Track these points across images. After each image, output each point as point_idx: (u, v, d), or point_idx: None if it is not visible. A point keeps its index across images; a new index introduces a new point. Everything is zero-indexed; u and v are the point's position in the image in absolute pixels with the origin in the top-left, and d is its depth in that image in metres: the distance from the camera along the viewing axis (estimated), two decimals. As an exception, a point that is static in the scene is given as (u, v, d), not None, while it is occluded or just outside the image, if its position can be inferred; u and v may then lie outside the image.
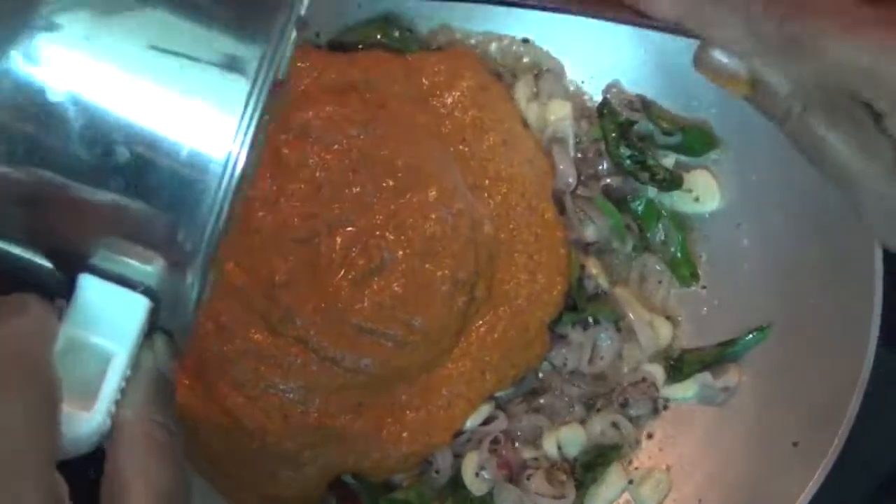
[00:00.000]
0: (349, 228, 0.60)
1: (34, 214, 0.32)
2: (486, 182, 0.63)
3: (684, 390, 0.66)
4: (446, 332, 0.61)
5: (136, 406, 0.34)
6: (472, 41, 0.69)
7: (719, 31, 0.36)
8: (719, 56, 0.36)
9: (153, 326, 0.34)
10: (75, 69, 0.31)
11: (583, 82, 0.69)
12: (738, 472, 0.63)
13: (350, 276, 0.59)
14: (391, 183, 0.61)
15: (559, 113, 0.67)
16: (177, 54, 0.31)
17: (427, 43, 0.68)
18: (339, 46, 0.66)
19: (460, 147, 0.64)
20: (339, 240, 0.59)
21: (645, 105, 0.68)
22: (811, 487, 0.57)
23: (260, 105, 0.31)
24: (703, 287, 0.68)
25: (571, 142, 0.67)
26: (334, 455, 0.61)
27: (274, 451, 0.60)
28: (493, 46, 0.69)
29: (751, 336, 0.65)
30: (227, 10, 0.32)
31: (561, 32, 0.69)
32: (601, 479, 0.64)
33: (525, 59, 0.69)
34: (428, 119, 0.64)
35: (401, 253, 0.60)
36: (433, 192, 0.61)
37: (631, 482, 0.65)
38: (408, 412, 0.61)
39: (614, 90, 0.68)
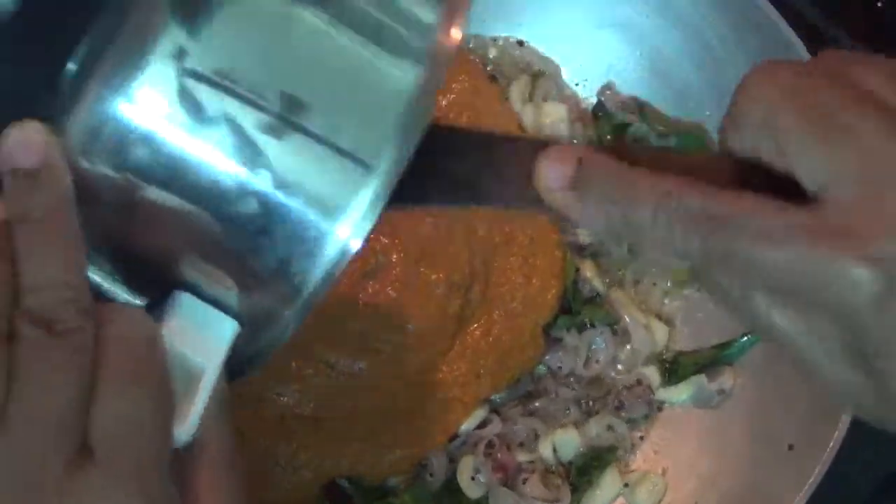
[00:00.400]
0: (343, 231, 0.59)
1: (152, 229, 0.32)
2: (481, 184, 0.63)
3: (679, 393, 0.66)
4: (441, 336, 0.61)
5: (212, 424, 0.34)
6: (467, 43, 0.69)
7: (647, 244, 0.34)
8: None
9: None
10: (236, 94, 0.31)
11: (577, 84, 0.69)
12: (733, 475, 0.63)
13: (344, 280, 0.59)
14: (385, 185, 0.60)
15: (554, 115, 0.67)
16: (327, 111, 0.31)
17: (421, 45, 0.68)
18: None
19: (455, 149, 0.64)
20: (333, 242, 0.59)
21: (639, 107, 0.68)
22: (807, 490, 0.57)
23: (399, 173, 0.31)
24: (699, 289, 0.68)
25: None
26: (329, 458, 0.61)
27: (268, 454, 0.60)
28: (488, 48, 0.69)
29: (746, 338, 0.65)
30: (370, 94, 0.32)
31: (556, 34, 0.69)
32: (596, 482, 0.63)
33: (520, 62, 0.69)
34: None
35: (395, 256, 0.60)
36: (428, 195, 0.61)
37: (626, 485, 0.64)
38: (402, 415, 0.61)
39: (609, 92, 0.68)
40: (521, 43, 0.69)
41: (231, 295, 0.33)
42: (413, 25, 0.33)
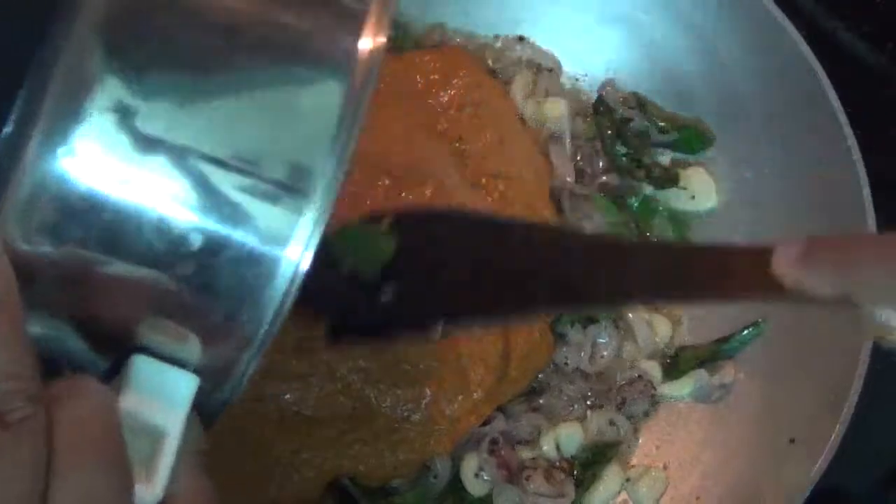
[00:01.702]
0: (345, 228, 0.59)
1: (97, 297, 0.32)
2: (484, 180, 0.63)
3: (681, 388, 0.66)
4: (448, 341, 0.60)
5: (185, 479, 0.34)
6: (468, 39, 0.69)
7: (878, 293, 0.37)
8: (882, 315, 0.37)
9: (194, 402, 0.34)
10: (157, 161, 0.31)
11: (578, 80, 0.69)
12: (735, 469, 0.63)
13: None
14: (387, 182, 0.60)
15: (555, 111, 0.67)
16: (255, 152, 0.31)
17: (421, 41, 0.68)
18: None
19: (457, 145, 0.63)
20: (335, 240, 0.59)
21: (640, 103, 0.68)
22: (808, 484, 0.57)
23: (331, 200, 0.31)
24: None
25: (568, 139, 0.67)
26: (330, 458, 0.60)
27: (270, 452, 0.60)
28: (489, 44, 0.69)
29: (746, 332, 0.65)
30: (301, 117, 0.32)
31: (556, 30, 0.69)
32: (599, 477, 0.64)
33: (521, 57, 0.69)
34: (424, 117, 0.63)
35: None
36: (429, 191, 0.60)
37: (628, 480, 0.64)
38: (411, 423, 0.61)
39: (609, 88, 0.68)
40: (521, 38, 0.69)
41: (187, 350, 0.33)
42: (332, 44, 0.33)
